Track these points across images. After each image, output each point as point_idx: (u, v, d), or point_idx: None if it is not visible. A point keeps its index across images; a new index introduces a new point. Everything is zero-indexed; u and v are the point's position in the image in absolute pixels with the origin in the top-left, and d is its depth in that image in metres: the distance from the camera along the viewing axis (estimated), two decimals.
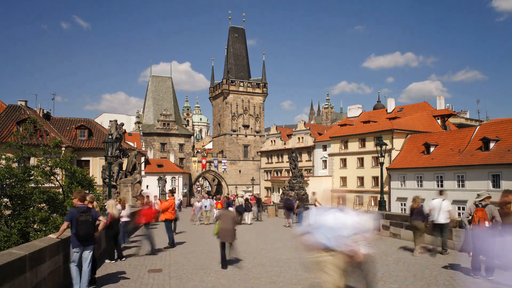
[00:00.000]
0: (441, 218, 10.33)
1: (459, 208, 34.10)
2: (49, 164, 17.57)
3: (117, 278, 7.84)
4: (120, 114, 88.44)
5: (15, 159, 17.57)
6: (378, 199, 16.99)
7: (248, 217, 21.18)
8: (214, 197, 26.37)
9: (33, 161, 21.26)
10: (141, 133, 71.81)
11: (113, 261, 9.72)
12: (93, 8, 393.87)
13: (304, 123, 62.63)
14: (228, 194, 70.44)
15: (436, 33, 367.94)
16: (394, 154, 41.87)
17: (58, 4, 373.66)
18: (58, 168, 18.11)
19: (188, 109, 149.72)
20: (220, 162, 75.29)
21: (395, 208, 39.81)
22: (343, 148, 49.61)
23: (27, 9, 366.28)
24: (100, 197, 20.15)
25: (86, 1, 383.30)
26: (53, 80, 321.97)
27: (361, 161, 46.49)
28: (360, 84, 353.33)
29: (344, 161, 49.16)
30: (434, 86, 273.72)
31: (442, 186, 35.88)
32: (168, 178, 57.77)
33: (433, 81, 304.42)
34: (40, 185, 16.91)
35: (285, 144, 64.29)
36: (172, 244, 12.47)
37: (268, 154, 68.76)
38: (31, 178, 16.96)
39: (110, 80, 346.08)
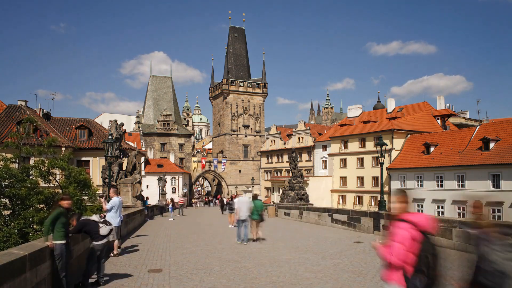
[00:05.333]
0: None
1: (459, 208, 34.10)
2: (46, 164, 17.54)
3: (117, 278, 7.83)
4: (120, 114, 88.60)
5: (14, 159, 17.56)
6: (378, 199, 16.98)
7: None
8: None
9: (32, 161, 21.25)
10: (141, 133, 71.82)
11: None
12: (92, 8, 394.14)
13: (304, 123, 62.62)
14: (228, 194, 70.47)
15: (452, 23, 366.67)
16: (394, 154, 41.86)
17: (58, 2, 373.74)
18: (56, 168, 18.08)
19: (188, 109, 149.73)
20: (220, 162, 75.27)
21: None
22: (343, 148, 49.59)
23: (24, 8, 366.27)
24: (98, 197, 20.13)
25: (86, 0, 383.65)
26: (52, 80, 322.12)
27: (361, 161, 46.48)
28: (363, 78, 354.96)
29: (344, 161, 49.14)
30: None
31: (442, 186, 35.91)
32: (168, 178, 57.74)
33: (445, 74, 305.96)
34: (37, 186, 16.87)
35: (285, 144, 64.26)
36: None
37: (268, 154, 68.74)
38: (30, 177, 16.94)
39: (109, 80, 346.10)
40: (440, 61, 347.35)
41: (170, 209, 30.20)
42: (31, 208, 15.96)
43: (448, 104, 57.78)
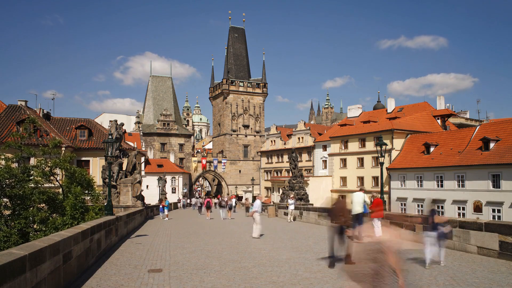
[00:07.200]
0: None
1: (459, 208, 34.12)
2: (49, 165, 17.57)
3: (117, 278, 7.83)
4: (120, 114, 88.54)
5: (14, 159, 17.57)
6: None
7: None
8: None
9: (33, 161, 21.26)
10: (141, 133, 71.81)
11: None
12: (91, 7, 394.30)
13: (304, 123, 62.62)
14: (228, 194, 70.45)
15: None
16: (394, 154, 41.86)
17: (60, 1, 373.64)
18: (57, 168, 18.10)
19: (188, 109, 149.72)
20: (220, 162, 75.27)
21: (395, 208, 39.82)
22: (343, 148, 49.59)
23: (23, 6, 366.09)
24: (100, 197, 20.14)
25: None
26: (52, 79, 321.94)
27: (361, 161, 46.48)
28: (364, 76, 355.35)
29: (344, 161, 49.14)
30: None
31: (442, 186, 35.91)
32: (168, 178, 57.74)
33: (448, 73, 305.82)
34: (39, 185, 16.90)
35: (285, 144, 64.26)
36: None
37: (268, 154, 68.74)
38: (31, 178, 16.95)
39: (109, 79, 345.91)
40: (443, 59, 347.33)
41: (160, 210, 29.43)
42: (32, 208, 15.98)
43: (448, 104, 57.81)
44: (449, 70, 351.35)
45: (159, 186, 45.59)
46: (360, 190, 14.08)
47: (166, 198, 34.63)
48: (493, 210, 31.54)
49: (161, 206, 28.97)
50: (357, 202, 13.37)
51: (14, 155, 17.84)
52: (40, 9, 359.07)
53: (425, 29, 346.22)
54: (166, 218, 26.75)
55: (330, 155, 51.45)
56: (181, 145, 74.66)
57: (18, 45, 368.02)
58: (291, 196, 25.93)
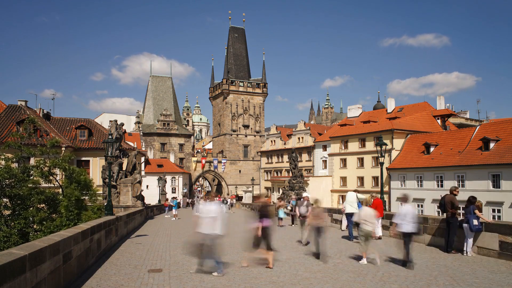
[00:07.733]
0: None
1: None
2: (47, 164, 17.57)
3: (117, 278, 7.83)
4: (120, 114, 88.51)
5: (14, 159, 17.58)
6: None
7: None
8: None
9: (33, 161, 21.26)
10: (141, 133, 71.81)
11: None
12: (90, 6, 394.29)
13: (304, 123, 62.62)
14: (228, 194, 70.43)
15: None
16: (394, 154, 41.86)
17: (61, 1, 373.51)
18: (57, 168, 18.10)
19: (188, 109, 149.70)
20: (220, 162, 75.26)
21: (395, 208, 39.79)
22: (343, 148, 49.59)
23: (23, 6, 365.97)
24: (99, 197, 20.14)
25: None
26: (51, 79, 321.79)
27: (361, 161, 46.48)
28: (363, 76, 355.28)
29: (344, 161, 49.14)
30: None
31: (442, 186, 35.90)
32: (168, 178, 57.73)
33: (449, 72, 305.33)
34: (38, 185, 16.90)
35: (285, 144, 64.26)
36: None
37: (268, 154, 68.73)
38: (31, 178, 16.96)
39: (107, 78, 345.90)
40: (445, 57, 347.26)
41: (166, 209, 30.24)
42: (31, 208, 15.98)
43: (448, 104, 57.84)
44: (452, 69, 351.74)
45: (159, 186, 45.59)
46: (355, 190, 14.67)
47: (174, 197, 35.06)
48: (493, 210, 31.53)
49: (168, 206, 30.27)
50: (349, 202, 13.89)
51: (14, 155, 17.84)
52: (38, 8, 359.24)
53: (428, 27, 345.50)
54: (174, 218, 26.72)
55: (330, 155, 51.46)
56: (181, 145, 74.65)
57: (18, 44, 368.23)
58: (293, 197, 25.94)
